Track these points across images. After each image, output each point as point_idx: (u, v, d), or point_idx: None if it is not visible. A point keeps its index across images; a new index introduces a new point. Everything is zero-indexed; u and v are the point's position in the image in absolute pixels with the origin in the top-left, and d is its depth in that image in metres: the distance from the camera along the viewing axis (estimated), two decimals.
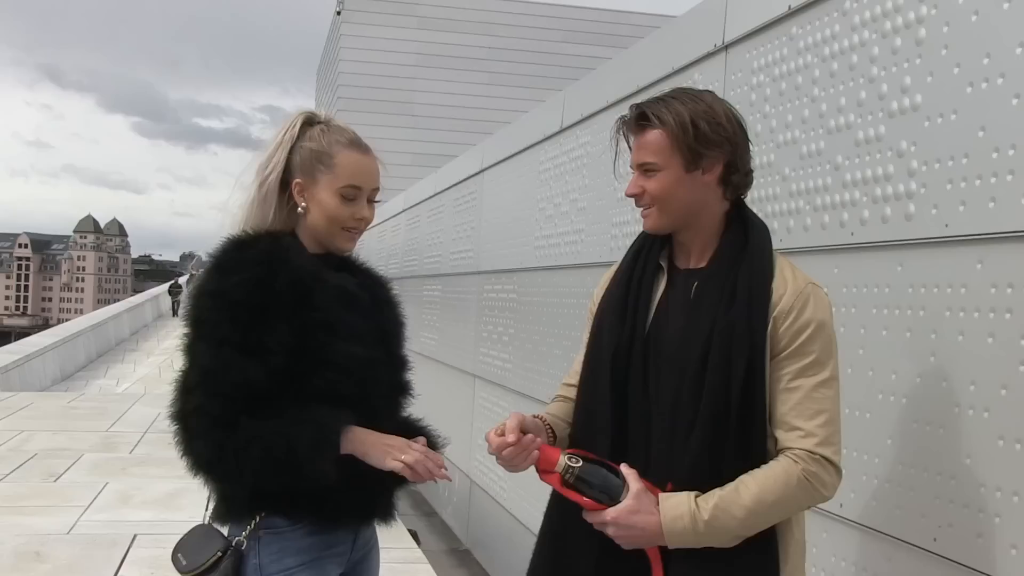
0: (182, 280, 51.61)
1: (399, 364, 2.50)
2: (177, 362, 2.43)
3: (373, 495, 2.41)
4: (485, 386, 7.03)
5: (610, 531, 2.02)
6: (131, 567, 5.78)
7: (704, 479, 2.01)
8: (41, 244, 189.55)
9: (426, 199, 10.04)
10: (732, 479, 2.00)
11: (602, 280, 2.42)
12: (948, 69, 2.50)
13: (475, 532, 7.59)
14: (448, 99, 58.65)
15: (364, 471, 2.27)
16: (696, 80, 3.90)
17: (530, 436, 2.07)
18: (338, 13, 63.70)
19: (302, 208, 2.37)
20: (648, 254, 2.27)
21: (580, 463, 2.05)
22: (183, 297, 43.05)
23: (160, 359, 23.93)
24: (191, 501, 7.52)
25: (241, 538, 2.35)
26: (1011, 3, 2.31)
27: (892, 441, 2.63)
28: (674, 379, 2.10)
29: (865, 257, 2.80)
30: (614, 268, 2.39)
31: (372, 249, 14.30)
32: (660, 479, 2.06)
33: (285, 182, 2.38)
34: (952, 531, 2.39)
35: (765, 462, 2.03)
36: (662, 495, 2.02)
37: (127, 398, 14.59)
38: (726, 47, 3.66)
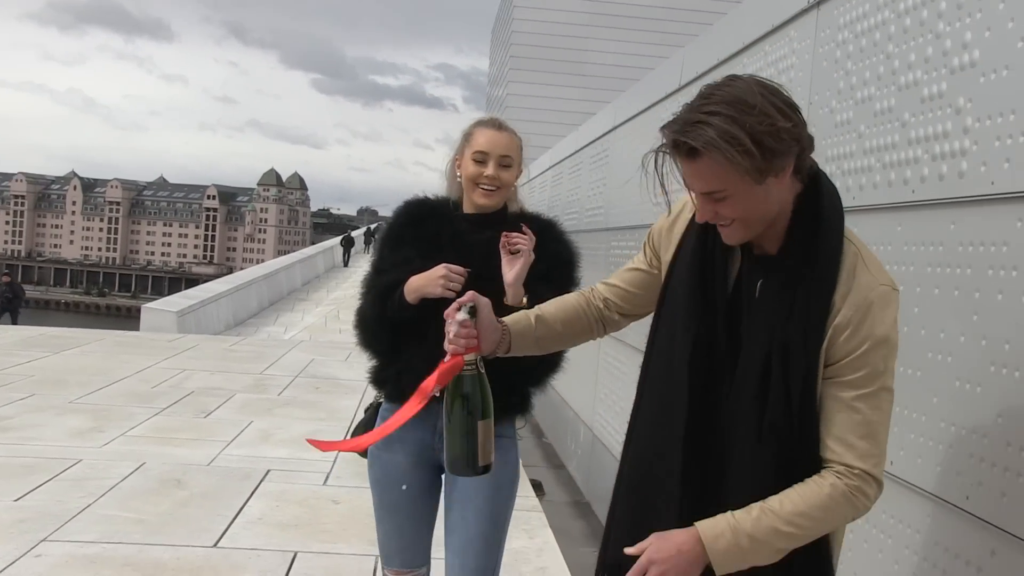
0: (355, 233, 53.26)
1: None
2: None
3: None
4: (609, 343, 7.12)
5: (654, 571, 1.93)
6: (259, 499, 6.16)
7: (764, 490, 1.97)
8: (227, 196, 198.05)
9: (568, 156, 10.13)
10: None
11: (664, 221, 2.33)
12: (1004, 24, 2.45)
13: (595, 486, 7.72)
14: (620, 59, 58.25)
15: (420, 358, 2.82)
16: (792, 36, 3.87)
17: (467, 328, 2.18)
18: None
19: (459, 177, 3.14)
20: (716, 233, 2.09)
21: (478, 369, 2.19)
22: (354, 250, 44.58)
23: (327, 309, 24.81)
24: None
25: (376, 400, 3.35)
26: None
27: (938, 399, 2.62)
28: (740, 389, 2.04)
29: (924, 215, 2.78)
30: (679, 210, 2.28)
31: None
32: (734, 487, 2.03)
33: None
34: (982, 489, 2.39)
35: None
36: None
37: (286, 344, 15.29)
38: (818, 3, 3.62)
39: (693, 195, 2.01)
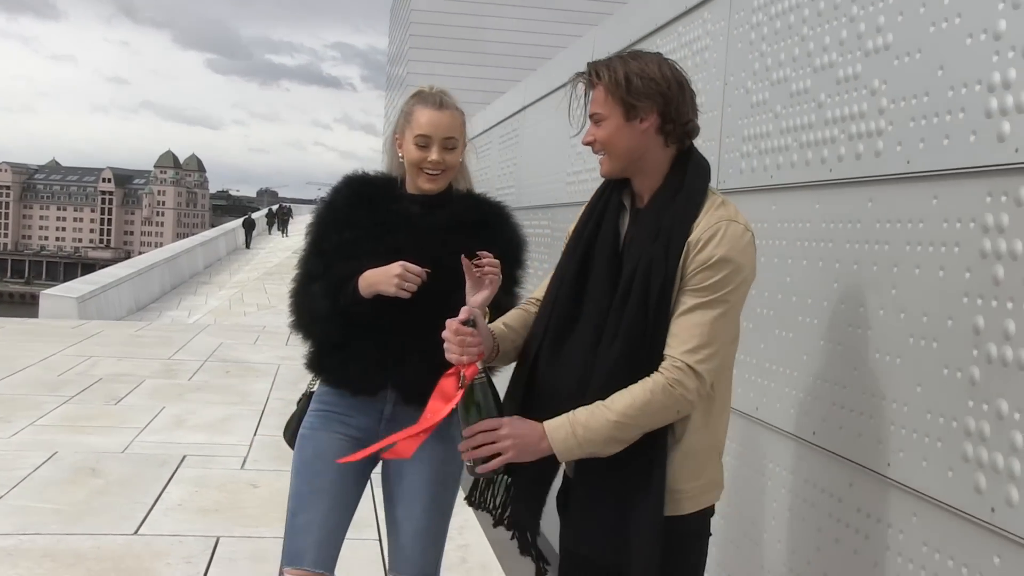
0: (255, 215, 52.42)
1: (436, 288, 2.89)
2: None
3: (382, 368, 3.00)
4: None
5: (504, 431, 2.32)
6: (177, 485, 6.11)
7: (619, 385, 2.32)
8: (123, 179, 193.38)
9: (476, 135, 10.14)
10: None
11: (577, 216, 2.71)
12: (915, 8, 2.54)
13: None
14: (519, 36, 58.33)
15: (370, 347, 2.97)
16: (705, 18, 3.95)
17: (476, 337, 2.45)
18: None
19: (401, 158, 3.05)
20: (611, 195, 2.60)
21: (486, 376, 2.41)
22: (256, 232, 43.93)
23: (231, 292, 24.49)
24: (240, 426, 7.87)
25: (308, 388, 3.23)
26: None
27: (858, 371, 2.72)
28: (606, 300, 2.44)
29: (841, 193, 2.87)
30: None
31: None
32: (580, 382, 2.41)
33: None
34: (903, 456, 2.49)
35: None
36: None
37: (192, 328, 15.07)
38: None
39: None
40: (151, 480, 6.17)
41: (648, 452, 2.34)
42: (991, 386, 2.18)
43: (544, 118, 6.96)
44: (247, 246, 41.22)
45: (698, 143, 3.82)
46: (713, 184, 3.63)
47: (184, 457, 6.75)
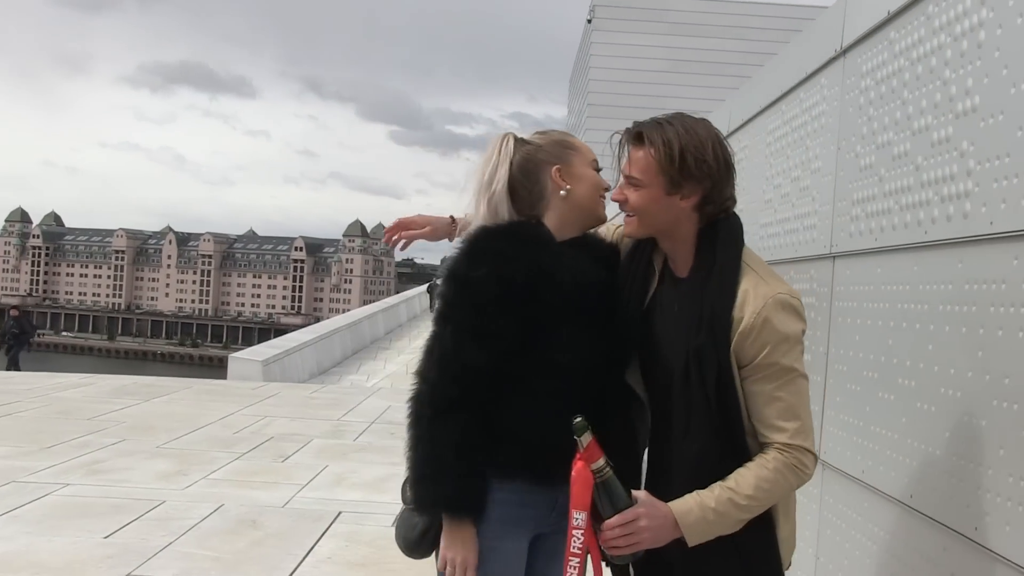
0: (439, 281, 53.88)
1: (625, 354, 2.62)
2: None
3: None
4: None
5: (643, 523, 2.30)
6: (329, 539, 6.37)
7: (704, 477, 2.37)
8: (314, 247, 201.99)
9: None
10: (727, 474, 2.35)
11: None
12: (999, 71, 2.56)
13: None
14: (698, 104, 58.22)
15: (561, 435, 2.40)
16: (822, 84, 4.00)
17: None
18: (589, 22, 64.69)
19: (566, 190, 2.64)
20: (641, 254, 2.60)
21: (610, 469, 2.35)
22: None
23: (409, 357, 25.16)
24: (397, 485, 8.06)
25: None
26: None
27: (949, 434, 2.70)
28: (664, 390, 2.48)
29: (935, 255, 2.88)
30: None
31: None
32: (663, 470, 2.52)
33: (512, 190, 2.67)
34: (989, 521, 2.46)
35: (749, 457, 2.37)
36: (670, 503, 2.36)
37: (362, 391, 15.60)
38: (844, 52, 3.75)
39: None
40: (305, 534, 6.47)
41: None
42: None
43: None
44: (431, 310, 42.31)
45: (814, 207, 3.90)
46: (826, 248, 3.69)
47: (339, 513, 7.03)
